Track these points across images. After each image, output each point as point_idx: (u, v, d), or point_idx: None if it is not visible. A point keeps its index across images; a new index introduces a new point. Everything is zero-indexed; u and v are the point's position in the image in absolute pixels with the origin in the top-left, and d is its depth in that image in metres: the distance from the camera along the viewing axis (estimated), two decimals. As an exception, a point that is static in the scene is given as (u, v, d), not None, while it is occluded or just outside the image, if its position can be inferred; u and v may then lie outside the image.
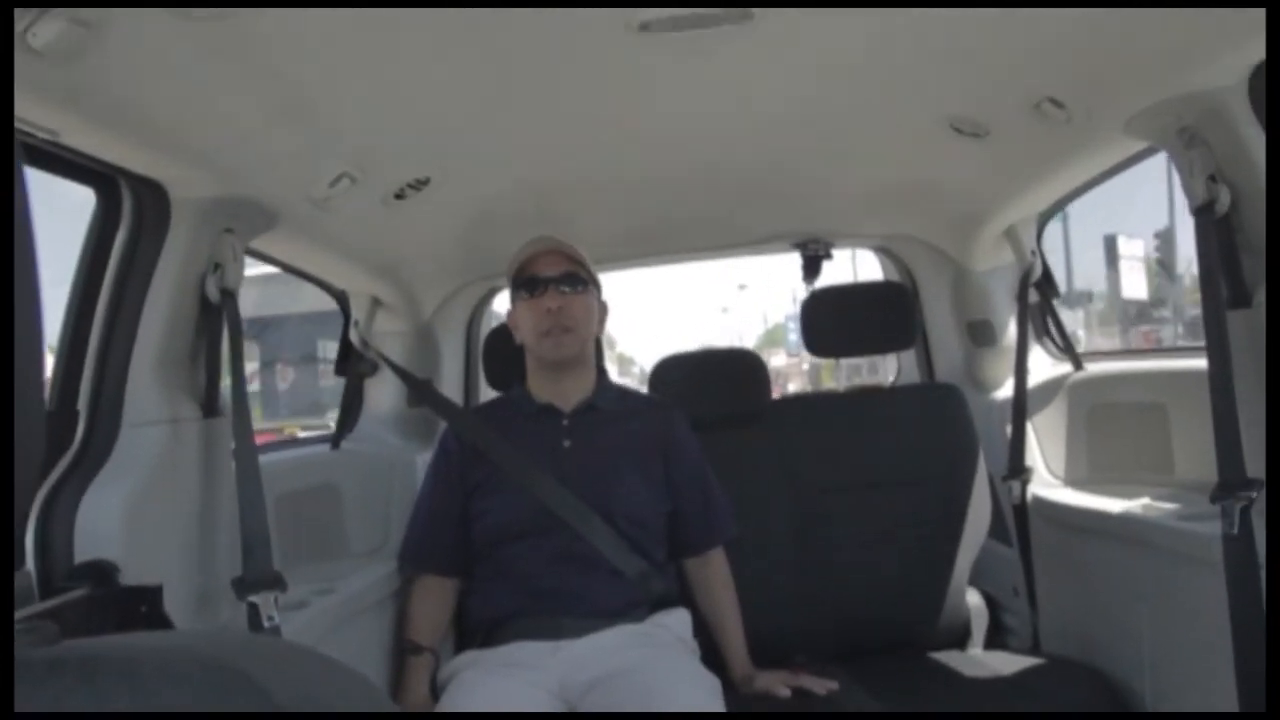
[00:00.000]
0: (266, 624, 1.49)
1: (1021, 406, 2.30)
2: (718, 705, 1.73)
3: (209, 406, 1.55)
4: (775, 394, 2.51)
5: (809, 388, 16.51)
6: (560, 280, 1.93)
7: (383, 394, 2.40)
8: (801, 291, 2.62)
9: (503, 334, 2.19)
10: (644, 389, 2.45)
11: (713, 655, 1.98)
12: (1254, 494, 1.45)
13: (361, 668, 0.61)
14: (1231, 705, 1.46)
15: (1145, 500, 1.92)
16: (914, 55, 1.54)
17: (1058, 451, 2.29)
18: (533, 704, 1.75)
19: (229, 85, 1.32)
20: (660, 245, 2.67)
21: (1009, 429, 2.33)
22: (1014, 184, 2.10)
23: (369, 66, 1.40)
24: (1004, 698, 1.93)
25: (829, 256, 2.61)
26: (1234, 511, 1.45)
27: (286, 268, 2.05)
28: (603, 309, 2.05)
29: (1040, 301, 2.39)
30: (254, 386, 7.99)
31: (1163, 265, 12.87)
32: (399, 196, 1.87)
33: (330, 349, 2.55)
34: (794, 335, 24.31)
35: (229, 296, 1.55)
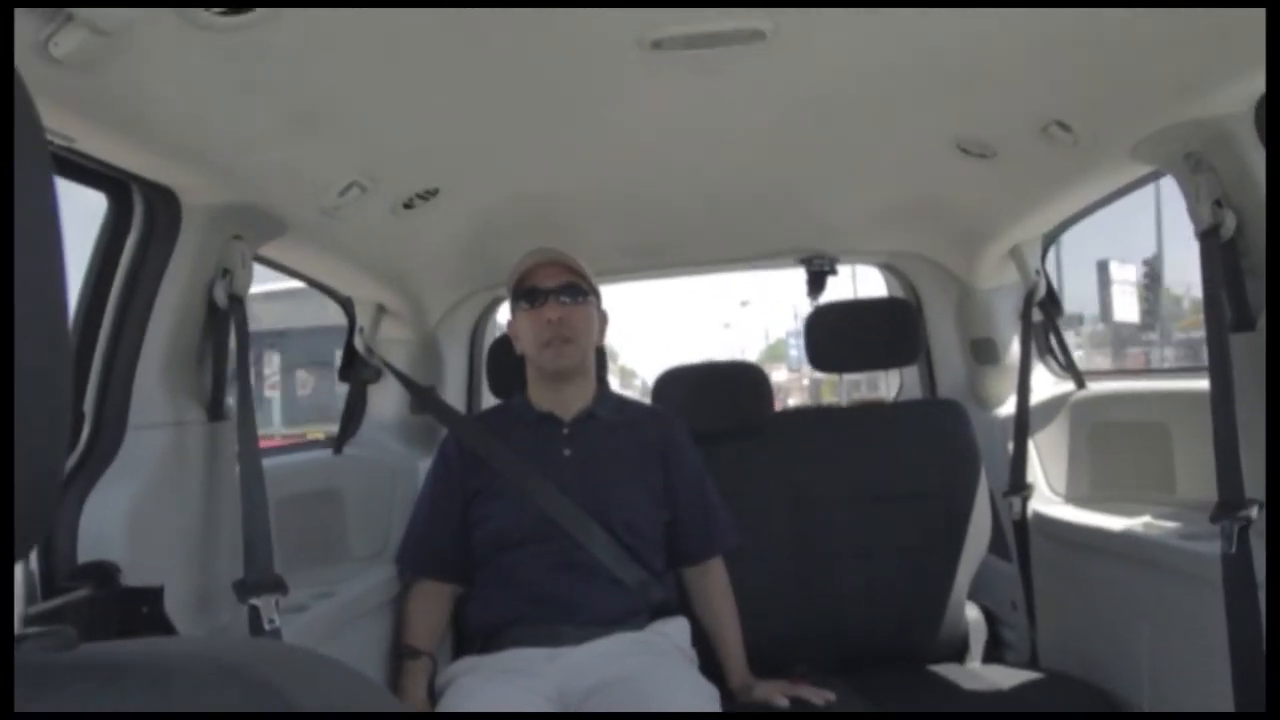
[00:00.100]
0: (267, 627, 1.49)
1: (1024, 423, 2.31)
2: (716, 714, 1.73)
3: (214, 410, 1.56)
4: (777, 408, 2.52)
5: (809, 402, 16.52)
6: (560, 291, 1.94)
7: (386, 400, 2.40)
8: (803, 308, 2.63)
9: (506, 343, 2.20)
10: (645, 401, 2.45)
11: (711, 664, 1.98)
12: (1252, 514, 1.46)
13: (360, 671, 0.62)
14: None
15: (1146, 518, 1.92)
16: (924, 77, 1.55)
17: (1059, 469, 2.30)
18: (531, 710, 1.75)
19: (243, 95, 1.33)
20: (666, 258, 2.69)
21: (1010, 445, 2.34)
22: (1020, 204, 2.11)
23: (381, 78, 1.41)
24: (1002, 711, 1.93)
25: (834, 272, 2.62)
26: (1233, 531, 1.47)
27: (293, 274, 2.06)
28: (603, 318, 2.06)
29: (1044, 320, 2.40)
30: (276, 394, 8.26)
31: (1150, 290, 13.17)
32: (408, 206, 1.88)
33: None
34: (795, 351, 24.32)
35: (237, 302, 1.56)
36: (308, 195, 1.67)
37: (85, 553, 1.31)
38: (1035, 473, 2.33)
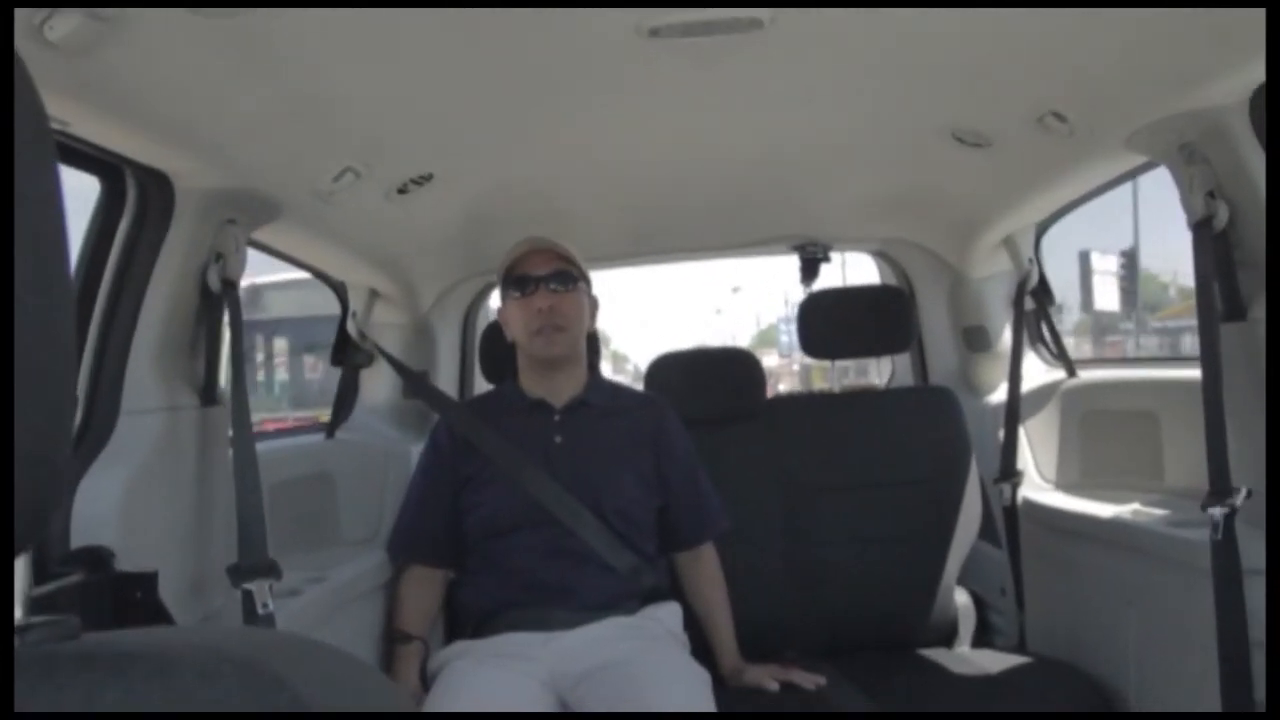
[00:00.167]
0: (261, 611, 1.49)
1: (1014, 411, 2.32)
2: (707, 698, 1.75)
3: (207, 395, 1.55)
4: (768, 393, 2.52)
5: (799, 387, 16.58)
6: (550, 279, 1.94)
7: (378, 385, 2.40)
8: (794, 295, 2.64)
9: (499, 329, 2.20)
10: (638, 386, 2.46)
11: (703, 649, 1.99)
12: (1238, 502, 1.48)
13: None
14: (1215, 706, 1.49)
15: (1135, 506, 1.94)
16: (920, 67, 1.55)
17: (1049, 456, 2.31)
18: (524, 694, 1.76)
19: (238, 79, 1.32)
20: (660, 245, 2.68)
21: (1001, 433, 2.35)
22: (1014, 194, 2.11)
23: (376, 63, 1.41)
24: (990, 695, 1.95)
25: (827, 259, 2.62)
26: (1221, 518, 1.48)
27: (287, 259, 2.05)
28: (594, 304, 2.06)
29: (1035, 309, 2.41)
30: (285, 376, 8.58)
31: (1127, 281, 13.44)
32: (402, 191, 1.88)
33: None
34: (785, 337, 24.40)
35: (230, 286, 1.56)
36: (302, 180, 1.66)
37: (78, 538, 1.31)
38: (1025, 460, 2.34)
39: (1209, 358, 1.53)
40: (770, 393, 2.53)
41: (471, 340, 2.63)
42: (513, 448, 1.95)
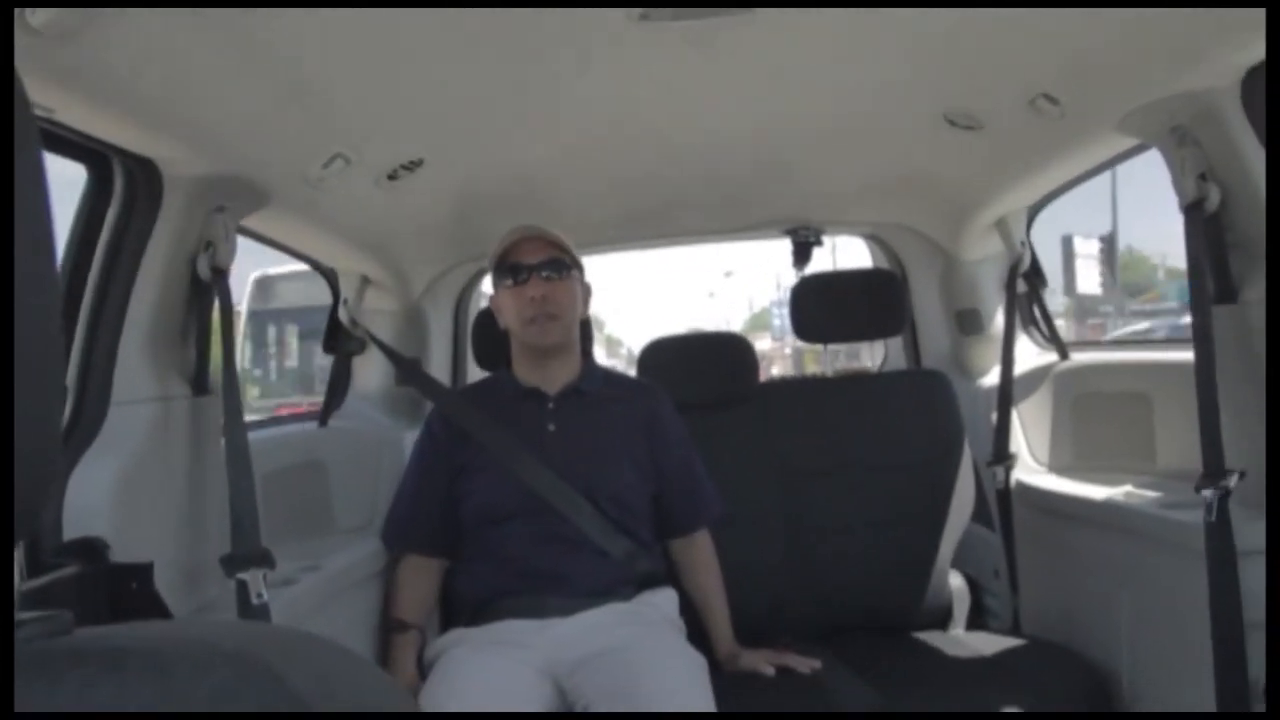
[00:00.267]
0: (255, 601, 1.48)
1: (1007, 394, 2.33)
2: (703, 683, 1.75)
3: (198, 385, 1.54)
4: (761, 377, 2.53)
5: (791, 371, 16.62)
6: (543, 266, 1.93)
7: (371, 372, 2.40)
8: (786, 279, 2.64)
9: (491, 315, 2.19)
10: (631, 370, 2.45)
11: (699, 634, 1.99)
12: (1231, 484, 1.48)
13: (349, 644, 0.62)
14: (1207, 687, 1.50)
15: (1128, 488, 1.95)
16: (912, 50, 1.54)
17: (1042, 439, 2.32)
18: (521, 681, 1.77)
19: (225, 65, 1.31)
20: (653, 229, 2.68)
21: (994, 415, 2.36)
22: (1006, 176, 2.11)
23: (365, 48, 1.39)
24: (984, 677, 1.96)
25: (820, 243, 2.62)
26: (1214, 500, 1.49)
27: (277, 246, 2.04)
28: (586, 290, 2.05)
29: (1028, 292, 2.42)
30: (294, 363, 8.78)
31: (1106, 265, 13.74)
32: (392, 177, 1.87)
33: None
34: (778, 320, 24.43)
35: (220, 275, 1.55)
36: (291, 166, 1.65)
37: (70, 530, 1.30)
38: (1019, 442, 2.35)
39: (1202, 340, 1.53)
40: (763, 376, 2.53)
41: (464, 326, 2.62)
42: (507, 436, 1.95)
